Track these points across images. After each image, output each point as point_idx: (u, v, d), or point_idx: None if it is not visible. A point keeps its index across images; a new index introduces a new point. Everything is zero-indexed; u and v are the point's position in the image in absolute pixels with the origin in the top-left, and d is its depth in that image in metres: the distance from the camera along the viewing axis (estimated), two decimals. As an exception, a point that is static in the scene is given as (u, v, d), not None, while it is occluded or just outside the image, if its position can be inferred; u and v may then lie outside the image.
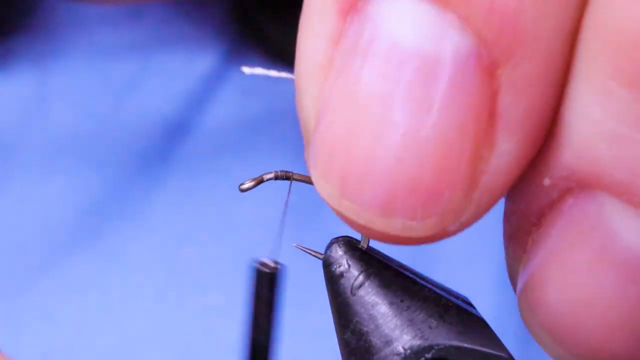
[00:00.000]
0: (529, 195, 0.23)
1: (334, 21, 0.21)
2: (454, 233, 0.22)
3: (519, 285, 0.23)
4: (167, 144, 0.58)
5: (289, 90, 0.66)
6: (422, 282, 0.25)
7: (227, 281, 0.56)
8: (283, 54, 0.58)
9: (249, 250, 0.56)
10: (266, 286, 0.26)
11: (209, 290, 0.56)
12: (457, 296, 0.25)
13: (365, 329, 0.25)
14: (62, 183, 0.57)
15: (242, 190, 0.26)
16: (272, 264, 0.26)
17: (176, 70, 0.60)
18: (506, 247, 0.24)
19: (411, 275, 0.25)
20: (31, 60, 0.60)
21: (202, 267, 0.56)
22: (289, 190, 0.25)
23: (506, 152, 0.21)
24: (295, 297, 0.55)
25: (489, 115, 0.21)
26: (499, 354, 0.24)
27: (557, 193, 0.22)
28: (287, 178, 0.26)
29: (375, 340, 0.24)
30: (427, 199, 0.21)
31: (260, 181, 0.26)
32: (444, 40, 0.20)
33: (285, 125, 0.59)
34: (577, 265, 0.22)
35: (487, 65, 0.20)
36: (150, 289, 0.55)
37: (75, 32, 0.60)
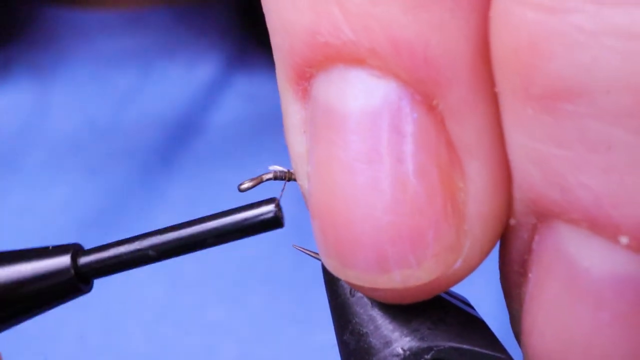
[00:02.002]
0: (508, 244, 0.24)
1: (297, 111, 0.23)
2: (464, 272, 0.23)
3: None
4: (169, 153, 0.59)
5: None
6: (421, 283, 0.26)
7: (228, 296, 0.56)
8: None
9: (250, 265, 0.56)
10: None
11: (210, 305, 0.56)
12: (456, 297, 0.26)
13: (364, 330, 0.25)
14: (63, 193, 0.57)
15: (242, 190, 0.27)
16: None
17: (178, 77, 0.61)
18: (507, 305, 0.25)
19: (410, 277, 0.26)
20: (32, 69, 0.61)
21: (202, 281, 0.57)
22: (283, 188, 0.26)
23: (477, 176, 0.22)
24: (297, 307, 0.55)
25: (447, 146, 0.22)
26: (498, 355, 0.25)
27: (527, 233, 0.23)
28: (288, 179, 0.27)
29: (375, 341, 0.25)
30: (412, 243, 0.22)
31: (259, 181, 0.27)
32: (371, 95, 0.21)
33: None
34: (552, 304, 0.22)
35: (422, 101, 0.21)
36: (150, 302, 0.56)
37: (76, 40, 0.61)
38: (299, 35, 0.22)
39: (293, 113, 0.24)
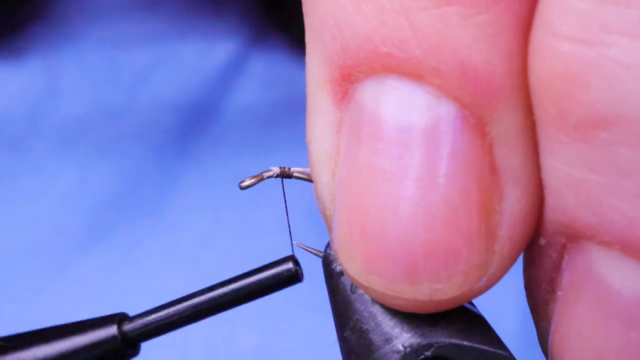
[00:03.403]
0: (537, 263, 0.25)
1: (332, 111, 0.24)
2: (485, 288, 0.24)
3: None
4: (183, 137, 0.60)
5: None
6: (422, 280, 0.27)
7: None
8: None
9: (269, 255, 0.57)
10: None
11: None
12: (457, 294, 0.27)
13: (365, 326, 0.26)
14: (75, 176, 0.58)
15: (242, 188, 0.27)
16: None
17: (193, 60, 0.62)
18: (534, 321, 0.26)
19: (411, 273, 0.27)
20: (44, 51, 0.62)
21: (221, 271, 0.57)
22: (282, 188, 0.27)
23: (516, 200, 0.23)
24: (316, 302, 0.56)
25: (490, 170, 0.23)
26: (498, 352, 0.26)
27: (556, 252, 0.24)
28: (288, 175, 0.27)
29: (375, 338, 0.26)
30: (446, 260, 0.23)
31: (260, 179, 0.27)
32: (426, 112, 0.22)
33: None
34: (582, 322, 0.23)
35: (475, 124, 0.22)
36: (169, 293, 0.56)
37: (89, 22, 0.62)
38: (357, 39, 0.22)
39: (326, 113, 0.24)
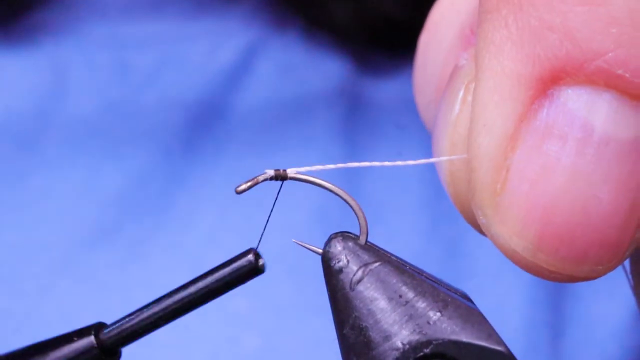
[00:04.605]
0: None
1: (524, 103, 0.26)
2: None
3: None
4: (190, 136, 0.60)
5: (322, 72, 0.66)
6: (421, 277, 0.27)
7: (251, 287, 0.58)
8: (324, 19, 0.60)
9: (273, 256, 0.57)
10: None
11: (232, 296, 0.57)
12: (456, 291, 0.27)
13: (364, 324, 0.27)
14: (83, 176, 0.59)
15: (238, 192, 0.28)
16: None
17: (200, 60, 0.62)
18: (636, 286, 0.29)
19: (410, 271, 0.27)
20: (52, 51, 0.62)
21: None
22: (279, 190, 0.27)
23: None
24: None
25: None
26: (497, 348, 0.26)
27: None
28: (283, 177, 0.28)
29: (374, 335, 0.26)
30: (614, 251, 0.26)
31: (255, 182, 0.28)
32: (632, 128, 0.25)
33: (318, 113, 0.61)
34: None
35: None
36: (172, 287, 0.57)
37: (97, 22, 0.63)
38: (590, 53, 0.24)
39: (514, 103, 0.26)
